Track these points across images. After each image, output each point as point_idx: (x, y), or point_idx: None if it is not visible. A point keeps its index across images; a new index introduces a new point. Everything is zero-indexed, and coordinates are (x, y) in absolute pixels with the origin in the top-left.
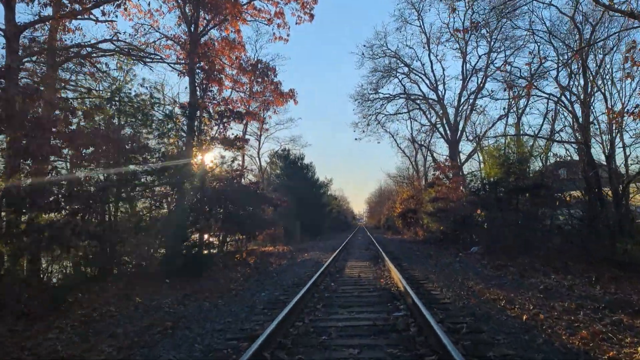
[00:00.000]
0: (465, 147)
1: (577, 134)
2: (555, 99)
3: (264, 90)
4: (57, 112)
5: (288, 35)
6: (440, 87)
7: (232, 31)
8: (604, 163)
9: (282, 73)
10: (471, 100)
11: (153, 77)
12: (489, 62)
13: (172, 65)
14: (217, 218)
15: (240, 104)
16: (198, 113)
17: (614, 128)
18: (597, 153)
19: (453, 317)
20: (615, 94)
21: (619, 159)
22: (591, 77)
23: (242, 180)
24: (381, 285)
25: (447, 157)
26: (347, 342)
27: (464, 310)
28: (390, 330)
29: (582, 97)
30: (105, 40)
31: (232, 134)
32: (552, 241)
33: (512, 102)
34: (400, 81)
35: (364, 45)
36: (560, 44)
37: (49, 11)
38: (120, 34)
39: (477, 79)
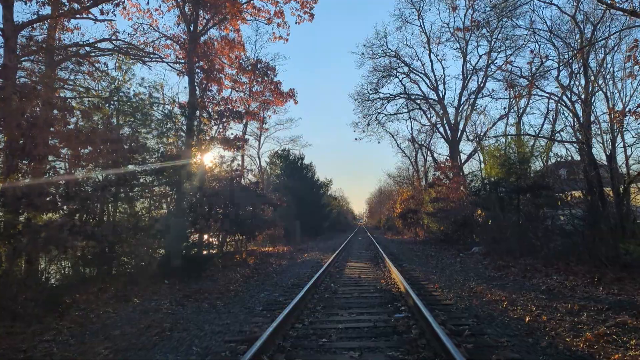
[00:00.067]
0: (466, 147)
1: (577, 134)
2: (557, 98)
3: (263, 90)
4: (55, 111)
5: (288, 35)
6: (441, 87)
7: (231, 30)
8: (605, 163)
9: (282, 73)
10: (471, 100)
11: (152, 76)
12: (490, 61)
13: (171, 64)
14: (217, 218)
15: (239, 103)
16: (197, 113)
17: (615, 128)
18: (598, 153)
19: (455, 319)
20: (616, 93)
21: (620, 159)
22: (592, 77)
23: (242, 180)
24: (382, 286)
25: (448, 157)
26: (347, 344)
27: (466, 311)
28: (392, 332)
29: (583, 96)
30: (104, 40)
31: (232, 134)
32: (554, 241)
33: (513, 101)
34: (400, 81)
35: (364, 45)
36: (561, 43)
37: (47, 10)
38: (119, 33)
39: (478, 79)
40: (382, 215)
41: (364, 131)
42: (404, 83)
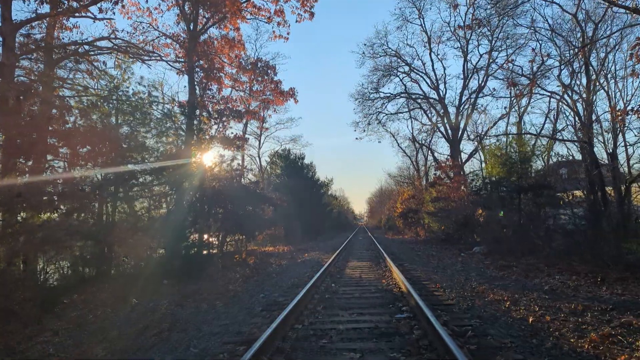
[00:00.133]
0: (467, 147)
1: (579, 133)
2: (558, 97)
3: (264, 89)
4: (54, 110)
5: (288, 34)
6: (441, 86)
7: (231, 29)
8: (607, 162)
9: (282, 72)
10: (472, 100)
11: (152, 75)
12: (491, 60)
13: (171, 63)
14: (217, 218)
15: (239, 102)
16: (197, 112)
17: (617, 127)
18: (599, 152)
19: (458, 320)
20: (618, 92)
21: (621, 158)
22: (594, 75)
23: (242, 179)
24: (383, 286)
25: (448, 157)
26: (348, 345)
27: (468, 312)
28: (393, 333)
29: (584, 95)
30: (103, 38)
31: (232, 133)
32: (556, 241)
33: (514, 100)
34: (401, 80)
35: (365, 44)
36: (562, 42)
37: (46, 9)
38: (118, 31)
39: (479, 78)
40: (383, 215)
41: (364, 130)
42: (404, 82)
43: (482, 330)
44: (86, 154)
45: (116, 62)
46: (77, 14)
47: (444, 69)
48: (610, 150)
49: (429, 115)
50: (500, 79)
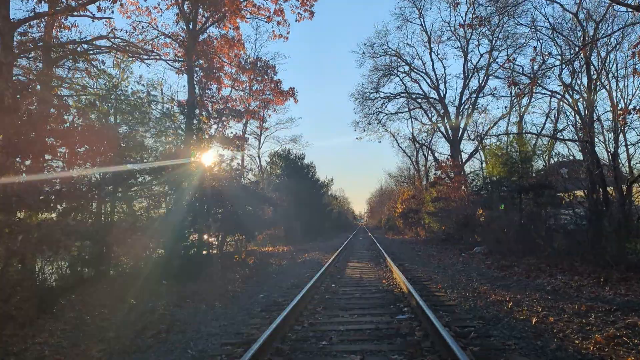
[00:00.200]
0: (467, 147)
1: (580, 132)
2: (559, 96)
3: (263, 88)
4: (52, 109)
5: (288, 33)
6: (442, 86)
7: (231, 28)
8: (607, 162)
9: (282, 72)
10: (473, 99)
11: (151, 75)
12: (491, 60)
13: (170, 63)
14: (216, 218)
15: (239, 102)
16: (197, 111)
17: (618, 126)
18: (600, 152)
19: (460, 321)
20: (619, 91)
21: (622, 158)
22: (595, 75)
23: (242, 179)
24: (383, 286)
25: (449, 157)
26: (348, 347)
27: (470, 312)
28: (395, 334)
29: (585, 94)
30: (101, 37)
31: (231, 133)
32: (557, 241)
33: (515, 100)
34: (401, 80)
35: (365, 44)
36: (563, 41)
37: (44, 7)
38: (117, 31)
39: (479, 78)
40: (383, 215)
41: (364, 130)
42: (404, 82)
43: (485, 332)
44: (84, 153)
45: (115, 62)
46: (75, 13)
47: (444, 68)
48: (612, 150)
49: (429, 115)
50: (500, 79)
